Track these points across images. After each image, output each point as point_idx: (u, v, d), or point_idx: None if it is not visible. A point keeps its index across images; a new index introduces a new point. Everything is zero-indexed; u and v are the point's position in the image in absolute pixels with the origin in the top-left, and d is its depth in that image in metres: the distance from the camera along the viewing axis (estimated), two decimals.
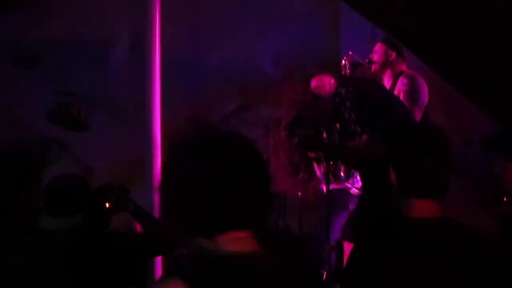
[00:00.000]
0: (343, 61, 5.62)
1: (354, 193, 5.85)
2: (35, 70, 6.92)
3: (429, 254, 2.61)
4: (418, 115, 5.63)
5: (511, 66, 3.80)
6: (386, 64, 5.95)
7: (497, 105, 3.87)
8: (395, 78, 5.92)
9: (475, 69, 3.87)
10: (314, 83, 6.04)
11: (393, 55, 5.94)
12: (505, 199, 5.83)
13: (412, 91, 5.75)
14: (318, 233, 5.90)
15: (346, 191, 5.91)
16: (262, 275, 2.02)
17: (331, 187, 5.69)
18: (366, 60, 5.84)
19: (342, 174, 5.74)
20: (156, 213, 5.95)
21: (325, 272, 5.49)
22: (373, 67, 5.97)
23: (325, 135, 5.25)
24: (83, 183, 3.73)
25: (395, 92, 5.79)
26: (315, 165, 6.30)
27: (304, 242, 6.22)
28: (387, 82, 5.98)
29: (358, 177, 5.66)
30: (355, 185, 5.86)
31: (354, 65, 5.62)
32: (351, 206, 5.69)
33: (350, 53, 5.66)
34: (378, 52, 5.97)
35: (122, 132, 6.86)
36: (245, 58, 7.37)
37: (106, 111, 6.98)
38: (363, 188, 5.24)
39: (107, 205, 3.84)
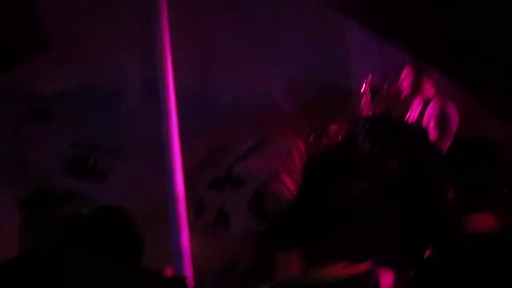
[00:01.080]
0: (363, 87, 5.53)
1: None
2: (49, 122, 6.88)
3: (495, 267, 2.52)
4: (448, 142, 5.55)
5: None
6: (417, 90, 5.86)
7: None
8: (425, 103, 5.83)
9: (503, 81, 3.80)
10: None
11: (423, 79, 5.86)
12: None
13: (442, 119, 5.68)
14: None
15: None
16: None
17: None
18: (385, 86, 5.77)
19: None
20: (185, 257, 5.91)
21: None
22: (403, 93, 5.88)
23: None
24: None
25: (425, 119, 5.71)
26: None
27: None
28: (416, 108, 5.91)
29: None
30: None
31: (374, 91, 5.55)
32: None
33: (370, 78, 5.59)
34: (407, 78, 5.88)
35: (141, 177, 6.79)
36: (256, 92, 7.33)
37: (124, 158, 6.92)
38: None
39: None
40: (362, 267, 2.07)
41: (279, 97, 7.44)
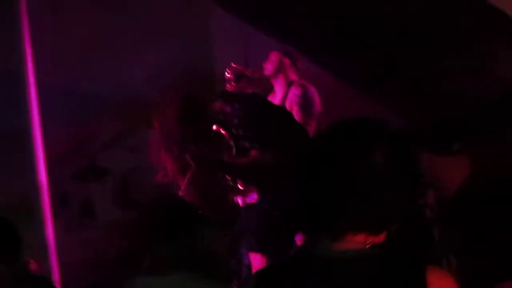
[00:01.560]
0: (227, 74, 5.58)
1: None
2: None
3: None
4: (313, 125, 5.68)
5: (407, 63, 3.85)
6: (278, 70, 5.97)
7: (403, 102, 3.92)
8: (287, 87, 5.95)
9: (376, 68, 3.91)
10: None
11: (287, 62, 5.97)
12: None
13: (305, 102, 5.81)
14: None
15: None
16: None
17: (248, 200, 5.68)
18: (250, 71, 5.83)
19: (240, 186, 5.71)
20: (51, 249, 5.83)
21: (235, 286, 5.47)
22: (266, 72, 5.97)
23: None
24: None
25: (288, 102, 5.83)
26: None
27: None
28: (279, 91, 6.01)
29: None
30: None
31: (238, 76, 5.60)
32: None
33: (233, 65, 5.64)
34: (272, 61, 5.98)
35: (3, 169, 6.63)
36: (117, 81, 7.26)
37: None
38: (260, 200, 5.24)
39: None
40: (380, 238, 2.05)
41: (142, 86, 7.40)
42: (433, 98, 3.61)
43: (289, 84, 5.94)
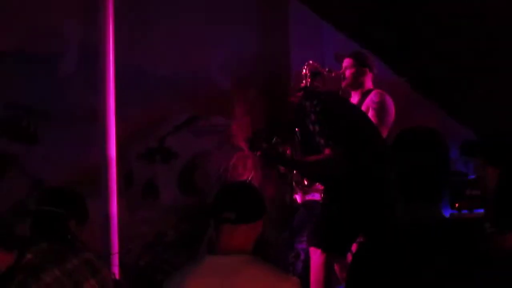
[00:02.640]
0: (304, 70, 5.61)
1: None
2: None
3: (430, 257, 2.61)
4: (384, 133, 5.68)
5: (480, 76, 3.87)
6: (358, 82, 5.98)
7: (467, 112, 3.94)
8: (363, 95, 5.97)
9: (447, 77, 3.93)
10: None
11: (366, 71, 5.98)
12: (456, 205, 5.98)
13: (382, 109, 5.82)
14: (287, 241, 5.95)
15: (314, 203, 5.95)
16: None
17: (307, 197, 5.73)
18: (326, 69, 5.84)
19: (305, 182, 5.75)
20: (112, 227, 5.93)
21: None
22: (344, 83, 5.99)
23: (287, 149, 5.27)
24: None
25: (363, 108, 5.84)
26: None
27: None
28: (354, 98, 6.03)
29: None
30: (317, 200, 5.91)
31: (314, 74, 5.62)
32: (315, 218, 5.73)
33: (311, 62, 5.65)
34: (349, 68, 5.98)
35: (74, 143, 6.78)
36: (194, 68, 7.36)
37: (57, 122, 6.87)
38: (325, 197, 5.28)
39: None
40: None
41: (216, 75, 7.49)
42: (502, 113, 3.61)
43: (366, 92, 5.95)
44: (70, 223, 3.58)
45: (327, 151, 4.88)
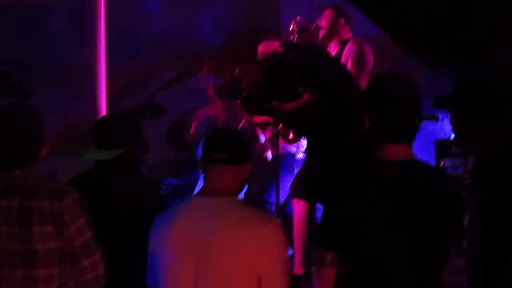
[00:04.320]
0: (291, 26, 5.72)
1: (298, 157, 6.03)
2: None
3: (396, 192, 2.79)
4: (365, 80, 5.78)
5: (459, 27, 3.93)
6: (334, 30, 6.10)
7: (445, 63, 4.01)
8: (342, 45, 6.08)
9: (426, 28, 4.00)
10: (261, 48, 6.14)
11: (342, 21, 6.10)
12: (441, 163, 6.10)
13: (360, 58, 5.92)
14: (264, 196, 6.07)
15: (291, 154, 6.09)
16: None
17: (280, 151, 5.88)
18: (314, 25, 5.96)
19: (291, 135, 5.86)
20: None
21: None
22: (321, 33, 6.11)
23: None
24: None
25: (343, 58, 5.94)
26: (259, 132, 6.44)
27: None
28: (333, 49, 6.13)
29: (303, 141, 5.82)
30: (300, 149, 6.03)
31: (301, 30, 5.73)
32: (296, 169, 5.86)
33: (298, 18, 5.77)
34: (326, 18, 6.10)
35: (65, 98, 6.85)
36: (184, 25, 7.41)
37: (49, 77, 6.92)
38: (307, 149, 5.40)
39: None
40: None
41: (206, 31, 7.54)
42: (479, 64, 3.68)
43: (344, 42, 6.06)
44: None
45: (305, 96, 4.99)
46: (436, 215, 2.78)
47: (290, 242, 5.14)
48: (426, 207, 2.77)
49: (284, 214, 5.81)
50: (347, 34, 6.12)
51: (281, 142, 5.94)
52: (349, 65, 5.79)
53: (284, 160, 6.01)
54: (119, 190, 3.75)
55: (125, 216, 3.71)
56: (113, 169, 3.74)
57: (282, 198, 5.83)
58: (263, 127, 6.37)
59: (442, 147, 6.24)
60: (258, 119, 6.25)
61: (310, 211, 5.16)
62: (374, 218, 2.79)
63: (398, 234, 2.77)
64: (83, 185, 3.44)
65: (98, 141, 3.76)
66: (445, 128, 6.61)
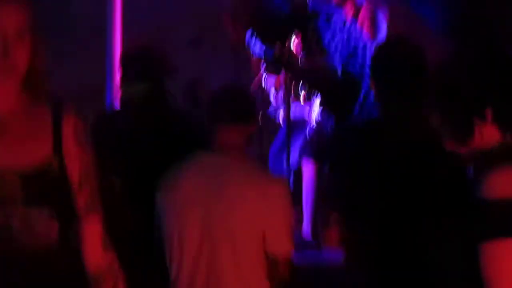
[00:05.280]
0: None
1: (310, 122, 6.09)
2: None
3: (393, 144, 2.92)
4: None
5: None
6: None
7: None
8: (357, 8, 6.07)
9: None
10: None
11: None
12: None
13: (375, 23, 5.92)
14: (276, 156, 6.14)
15: (303, 120, 6.12)
16: None
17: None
18: None
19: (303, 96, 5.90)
20: None
21: None
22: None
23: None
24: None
25: (359, 22, 5.95)
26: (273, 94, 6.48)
27: None
28: (348, 12, 6.12)
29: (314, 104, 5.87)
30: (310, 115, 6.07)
31: None
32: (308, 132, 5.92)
33: None
34: None
35: (80, 58, 6.88)
36: None
37: (61, 36, 6.95)
38: (321, 110, 5.47)
39: None
40: None
41: None
42: None
43: (358, 6, 6.06)
44: None
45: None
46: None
47: (299, 202, 5.21)
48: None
49: (294, 175, 5.89)
50: None
51: (293, 105, 5.96)
52: (364, 30, 5.81)
53: (295, 124, 6.06)
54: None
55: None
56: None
57: (292, 161, 5.89)
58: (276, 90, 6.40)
59: None
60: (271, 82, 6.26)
61: (319, 171, 5.23)
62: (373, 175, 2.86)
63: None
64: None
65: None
66: None
